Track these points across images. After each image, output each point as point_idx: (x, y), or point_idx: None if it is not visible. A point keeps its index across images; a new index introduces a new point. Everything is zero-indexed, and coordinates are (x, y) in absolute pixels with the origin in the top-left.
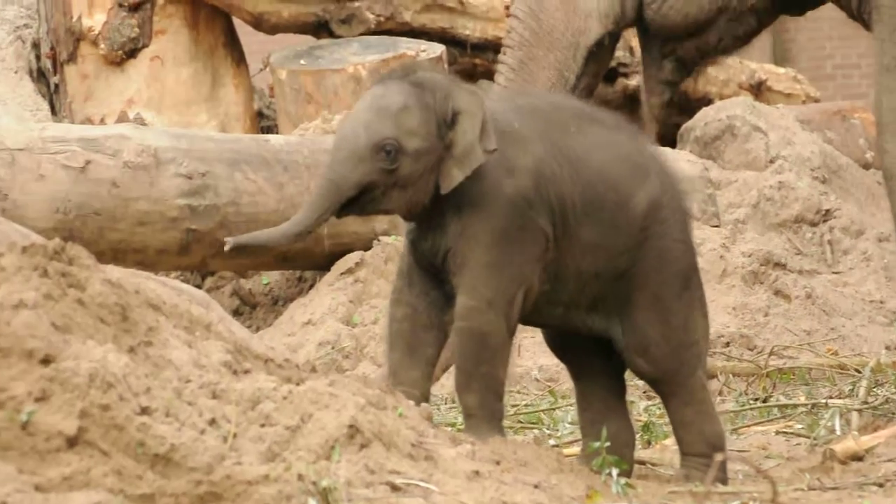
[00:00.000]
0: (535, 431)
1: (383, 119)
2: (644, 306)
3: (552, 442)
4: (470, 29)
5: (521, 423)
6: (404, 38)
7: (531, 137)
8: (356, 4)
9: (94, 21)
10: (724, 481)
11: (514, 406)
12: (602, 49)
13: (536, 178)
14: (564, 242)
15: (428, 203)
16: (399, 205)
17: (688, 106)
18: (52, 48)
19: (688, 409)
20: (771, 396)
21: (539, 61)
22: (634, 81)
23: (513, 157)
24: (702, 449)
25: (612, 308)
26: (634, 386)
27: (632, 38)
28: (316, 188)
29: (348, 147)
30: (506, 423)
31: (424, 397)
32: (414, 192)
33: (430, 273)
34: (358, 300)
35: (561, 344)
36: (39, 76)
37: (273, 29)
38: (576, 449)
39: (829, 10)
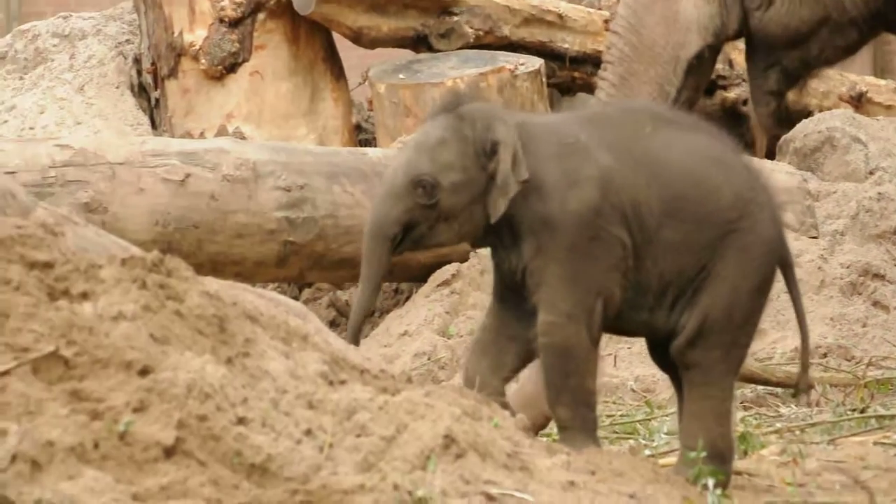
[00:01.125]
0: (631, 441)
1: (420, 155)
2: (715, 293)
3: (648, 452)
4: (569, 42)
5: (617, 433)
6: (503, 52)
7: (597, 146)
8: (455, 19)
9: (195, 36)
10: (726, 485)
11: (609, 416)
12: (702, 62)
13: (603, 187)
14: (644, 247)
15: (483, 232)
16: (449, 237)
17: (787, 118)
18: (153, 63)
19: (706, 404)
20: (868, 407)
21: (640, 76)
22: (734, 94)
23: (576, 168)
24: (703, 447)
25: (689, 302)
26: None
27: (731, 50)
28: (364, 236)
29: (387, 186)
30: (601, 433)
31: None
32: (462, 224)
33: (516, 290)
34: (454, 311)
35: (662, 353)
36: (140, 91)
37: (372, 43)
38: (671, 459)
39: None
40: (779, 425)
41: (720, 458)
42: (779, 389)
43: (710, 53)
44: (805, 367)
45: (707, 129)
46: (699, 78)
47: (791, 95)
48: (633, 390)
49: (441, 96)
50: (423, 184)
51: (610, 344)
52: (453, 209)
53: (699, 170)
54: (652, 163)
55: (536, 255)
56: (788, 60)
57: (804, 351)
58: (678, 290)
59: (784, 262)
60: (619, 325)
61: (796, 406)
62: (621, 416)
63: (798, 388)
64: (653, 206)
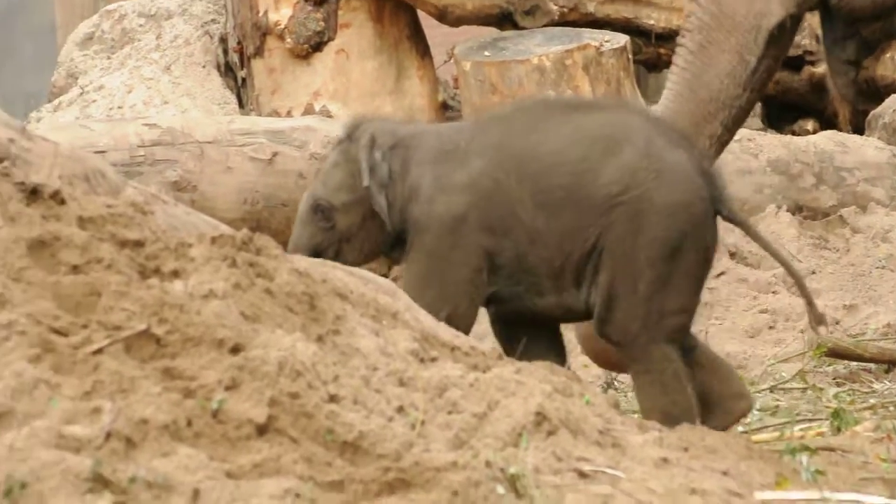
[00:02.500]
0: None
1: (318, 181)
2: (612, 269)
3: (740, 429)
4: (654, 19)
5: None
6: (588, 29)
7: (475, 152)
8: None
9: (280, 15)
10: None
11: None
12: (783, 32)
13: (472, 193)
14: (523, 238)
15: (390, 246)
16: (355, 257)
17: (876, 93)
18: (239, 43)
19: (646, 377)
20: None
21: (719, 44)
22: (820, 69)
23: (447, 175)
24: (657, 418)
25: (593, 280)
26: (823, 373)
27: (817, 26)
28: None
29: (298, 214)
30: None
31: None
32: (363, 242)
33: None
34: None
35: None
36: (227, 70)
37: (457, 21)
38: (765, 436)
39: None
40: (872, 401)
41: (678, 424)
42: (872, 365)
43: (791, 23)
44: (809, 301)
45: (611, 107)
46: (780, 48)
47: (879, 69)
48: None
49: (526, 74)
50: (321, 208)
51: (700, 320)
52: (350, 228)
53: (573, 156)
54: (525, 160)
55: (408, 256)
56: (869, 31)
57: (802, 288)
58: (575, 270)
59: (732, 220)
60: (535, 311)
61: (890, 382)
62: None
63: (815, 323)
64: (526, 202)
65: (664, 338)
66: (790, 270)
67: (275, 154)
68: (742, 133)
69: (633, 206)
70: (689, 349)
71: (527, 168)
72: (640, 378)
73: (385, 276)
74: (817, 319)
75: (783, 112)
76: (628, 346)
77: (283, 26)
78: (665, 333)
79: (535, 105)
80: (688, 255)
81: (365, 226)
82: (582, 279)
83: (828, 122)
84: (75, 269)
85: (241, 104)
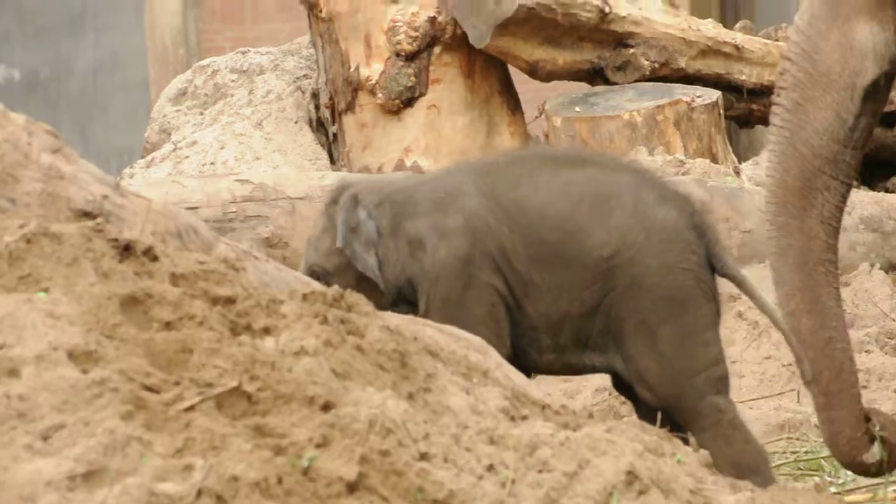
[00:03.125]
0: (816, 478)
1: (310, 247)
2: (630, 335)
3: (833, 489)
4: (746, 74)
5: (801, 469)
6: (679, 85)
7: (465, 195)
8: (631, 51)
9: (372, 70)
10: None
11: (794, 453)
12: (878, 89)
13: (472, 234)
14: (520, 290)
15: (390, 302)
16: None
17: None
18: (331, 98)
19: (705, 436)
20: None
21: (815, 102)
22: None
23: (442, 221)
24: (730, 473)
25: (605, 343)
26: None
27: None
28: None
29: None
30: (785, 469)
31: None
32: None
33: None
34: None
35: (618, 380)
36: (318, 126)
37: (548, 76)
38: (858, 496)
39: None
40: None
41: (754, 472)
42: None
43: (886, 80)
44: (799, 359)
45: (601, 163)
46: (876, 104)
47: None
48: (817, 426)
49: (617, 130)
50: (316, 274)
51: (792, 379)
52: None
53: (563, 213)
54: (516, 210)
55: (424, 309)
56: None
57: (791, 346)
58: (577, 331)
59: (726, 275)
60: (539, 368)
61: None
62: (805, 452)
63: (804, 380)
64: (519, 252)
65: (709, 391)
66: (779, 327)
67: None
68: None
69: (629, 270)
70: None
71: (516, 219)
72: (700, 437)
73: None
74: (804, 376)
75: (876, 169)
76: (673, 409)
77: (374, 81)
78: (707, 386)
79: (525, 157)
80: (698, 307)
81: (360, 287)
82: (588, 343)
83: None
84: (167, 325)
85: (332, 160)
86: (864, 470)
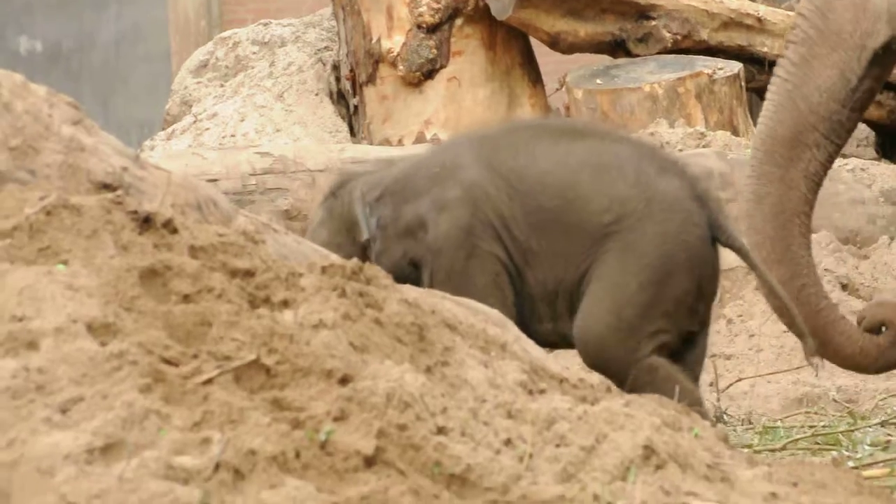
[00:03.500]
0: (834, 453)
1: (307, 239)
2: (599, 295)
3: (851, 464)
4: (768, 46)
5: (819, 444)
6: (701, 57)
7: (463, 167)
8: (653, 23)
9: (393, 43)
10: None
11: (811, 427)
12: (888, 53)
13: (471, 205)
14: (521, 259)
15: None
16: None
17: None
18: (352, 70)
19: (640, 391)
20: None
21: (822, 59)
22: None
23: (441, 193)
24: None
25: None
26: None
27: None
28: None
29: None
30: (803, 444)
31: None
32: None
33: None
34: None
35: None
36: (339, 98)
37: (570, 48)
38: (876, 471)
39: None
40: None
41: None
42: None
43: None
44: (801, 334)
45: (600, 135)
46: (882, 69)
47: None
48: (836, 400)
49: (638, 102)
50: None
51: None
52: None
53: (564, 181)
54: (515, 179)
55: (428, 282)
56: None
57: (795, 320)
58: (568, 298)
59: (729, 245)
60: (536, 339)
61: None
62: (823, 426)
63: (807, 356)
64: (518, 220)
65: (648, 352)
66: (783, 300)
67: None
68: (855, 163)
69: (625, 236)
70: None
71: (516, 187)
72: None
73: None
74: (809, 352)
75: None
76: (612, 362)
77: (395, 53)
78: (648, 350)
79: (523, 127)
80: (679, 283)
81: None
82: (575, 307)
83: None
84: (186, 298)
85: (352, 132)
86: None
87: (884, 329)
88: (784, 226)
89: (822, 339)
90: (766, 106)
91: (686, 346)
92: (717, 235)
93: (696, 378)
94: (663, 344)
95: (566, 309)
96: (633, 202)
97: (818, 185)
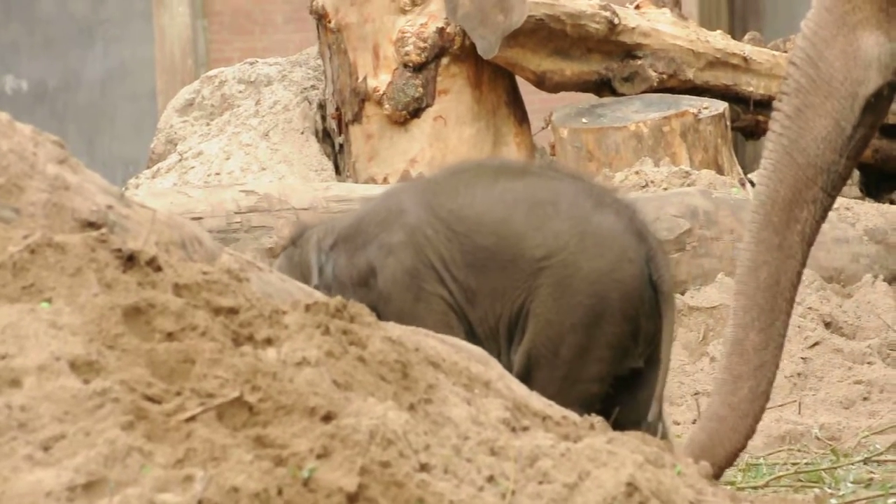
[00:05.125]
0: (816, 490)
1: None
2: (535, 332)
3: (834, 502)
4: (754, 86)
5: (802, 481)
6: (686, 96)
7: (405, 212)
8: (639, 62)
9: (379, 81)
10: None
11: (794, 464)
12: (880, 100)
13: (414, 248)
14: (461, 298)
15: None
16: None
17: None
18: (338, 109)
19: None
20: None
21: (815, 109)
22: None
23: (387, 239)
24: None
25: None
26: None
27: None
28: None
29: None
30: (786, 481)
31: None
32: None
33: None
34: None
35: None
36: (325, 137)
37: (556, 87)
38: None
39: None
40: None
41: None
42: None
43: (889, 92)
44: (658, 398)
45: (539, 172)
46: (876, 116)
47: None
48: (819, 438)
49: (624, 141)
50: None
51: (794, 391)
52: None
53: (499, 218)
54: (454, 220)
55: None
56: None
57: (661, 379)
58: (508, 332)
59: (653, 285)
60: None
61: None
62: (806, 463)
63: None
64: (457, 261)
65: (577, 403)
66: (663, 365)
67: None
68: (839, 202)
69: (559, 271)
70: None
71: (454, 228)
72: None
73: None
74: (652, 416)
75: (882, 181)
76: None
77: (381, 92)
78: (578, 399)
79: (465, 169)
80: (612, 325)
81: None
82: (512, 342)
83: None
84: (170, 336)
85: (338, 171)
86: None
87: None
88: (775, 298)
89: (732, 413)
90: (764, 164)
91: (635, 384)
92: (650, 273)
93: (654, 415)
94: (594, 395)
95: (506, 344)
96: (565, 236)
97: (810, 247)
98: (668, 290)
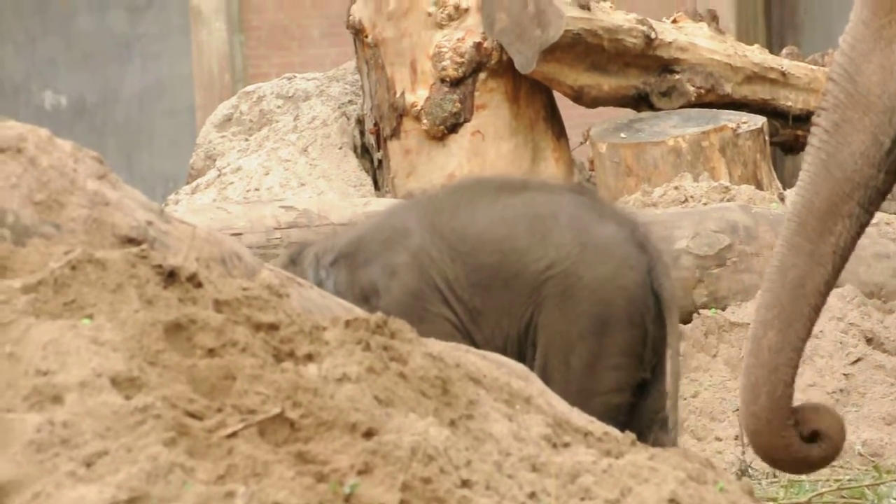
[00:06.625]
0: None
1: None
2: (545, 345)
3: None
4: (792, 100)
5: (844, 497)
6: (725, 111)
7: (409, 232)
8: (677, 77)
9: (417, 96)
10: None
11: (837, 481)
12: None
13: (418, 269)
14: (467, 318)
15: None
16: None
17: None
18: (376, 124)
19: None
20: None
21: (854, 124)
22: None
23: (391, 260)
24: None
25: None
26: None
27: None
28: None
29: None
30: (829, 497)
31: None
32: None
33: None
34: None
35: None
36: (363, 152)
37: (593, 102)
38: None
39: None
40: None
41: None
42: None
43: None
44: (673, 402)
45: (539, 187)
46: None
47: None
48: (861, 454)
49: (662, 156)
50: None
51: (836, 407)
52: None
53: (501, 235)
54: (456, 239)
55: None
56: None
57: (672, 387)
58: (517, 349)
59: (655, 294)
60: None
61: None
62: (848, 480)
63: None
64: (461, 281)
65: (599, 416)
66: (674, 369)
67: None
68: (879, 216)
69: (562, 282)
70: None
71: (457, 248)
72: None
73: None
74: (671, 422)
75: None
76: None
77: (419, 107)
78: (599, 412)
79: (466, 186)
80: (620, 331)
81: None
82: (523, 358)
83: None
84: (211, 352)
85: (376, 186)
86: (787, 466)
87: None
88: (798, 301)
89: (756, 421)
90: (802, 176)
91: (639, 395)
92: (651, 282)
93: (662, 425)
94: (617, 406)
95: (518, 361)
96: (566, 247)
97: (845, 261)
98: (670, 297)
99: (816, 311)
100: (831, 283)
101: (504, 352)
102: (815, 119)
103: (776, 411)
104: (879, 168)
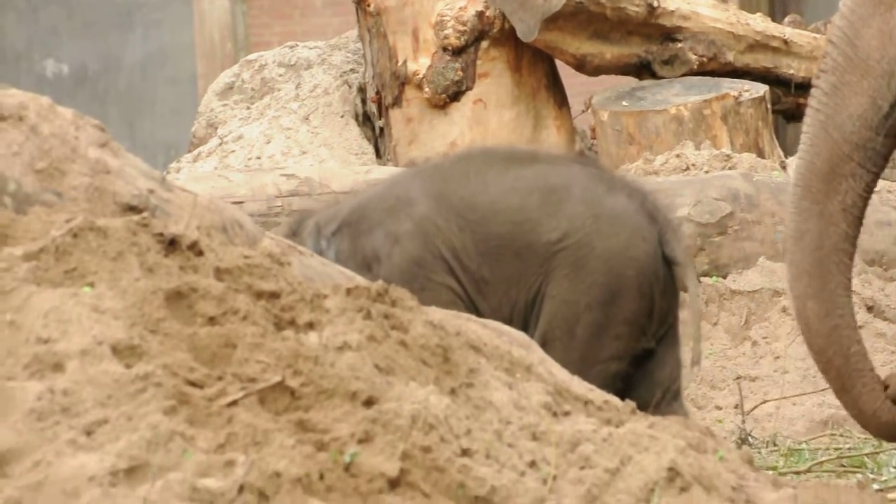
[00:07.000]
0: (859, 475)
1: None
2: (550, 313)
3: (876, 486)
4: (794, 68)
5: (844, 466)
6: (727, 79)
7: (415, 200)
8: (679, 45)
9: (419, 65)
10: None
11: (836, 449)
12: None
13: (422, 237)
14: (472, 288)
15: None
16: None
17: None
18: (378, 92)
19: None
20: None
21: (852, 87)
22: None
23: (394, 227)
24: None
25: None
26: None
27: None
28: None
29: None
30: (828, 466)
31: None
32: None
33: None
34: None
35: None
36: (365, 120)
37: (595, 70)
38: None
39: None
40: None
41: None
42: None
43: None
44: (697, 338)
45: (549, 159)
46: None
47: None
48: None
49: (664, 124)
50: None
51: None
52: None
53: (513, 206)
54: (465, 208)
55: None
56: None
57: (695, 348)
58: (523, 319)
59: (667, 264)
60: None
61: None
62: (848, 449)
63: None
64: (469, 250)
65: (597, 383)
66: (696, 330)
67: None
68: (881, 184)
69: (574, 252)
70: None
71: (466, 216)
72: None
73: None
74: (694, 359)
75: None
76: None
77: (421, 76)
78: (598, 379)
79: (474, 155)
80: (628, 301)
81: None
82: (528, 327)
83: None
84: (211, 320)
85: (378, 154)
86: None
87: None
88: (822, 262)
89: (842, 384)
90: (802, 139)
91: (652, 365)
92: (663, 249)
93: (675, 395)
94: (615, 373)
95: (521, 330)
96: (580, 219)
97: (859, 217)
98: (685, 260)
99: (843, 269)
100: (851, 240)
101: (510, 322)
102: (814, 81)
103: (855, 374)
104: (877, 131)
